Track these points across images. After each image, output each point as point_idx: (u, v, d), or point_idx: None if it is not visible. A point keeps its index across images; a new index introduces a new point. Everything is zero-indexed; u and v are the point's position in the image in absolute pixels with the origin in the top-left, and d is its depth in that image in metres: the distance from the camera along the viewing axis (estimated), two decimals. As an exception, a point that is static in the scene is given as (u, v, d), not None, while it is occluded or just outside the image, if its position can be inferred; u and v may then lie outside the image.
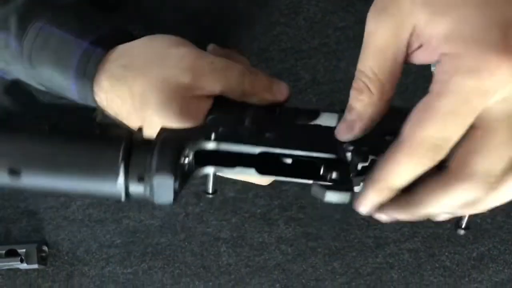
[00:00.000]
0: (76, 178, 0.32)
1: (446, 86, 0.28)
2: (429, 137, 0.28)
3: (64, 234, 0.72)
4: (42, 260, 0.70)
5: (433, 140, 0.28)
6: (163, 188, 0.33)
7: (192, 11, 0.38)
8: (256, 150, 0.34)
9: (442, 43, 0.28)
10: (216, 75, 0.40)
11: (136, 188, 0.32)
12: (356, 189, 0.33)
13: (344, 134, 0.33)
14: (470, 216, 0.35)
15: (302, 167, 0.36)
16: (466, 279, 0.64)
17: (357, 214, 0.70)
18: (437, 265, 0.65)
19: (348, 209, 0.66)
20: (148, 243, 0.70)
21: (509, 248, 0.63)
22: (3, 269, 0.72)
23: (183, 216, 0.69)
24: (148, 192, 0.32)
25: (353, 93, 0.33)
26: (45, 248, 0.71)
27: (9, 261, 0.69)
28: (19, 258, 0.69)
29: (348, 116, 0.33)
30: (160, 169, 0.32)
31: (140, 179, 0.32)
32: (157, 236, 0.70)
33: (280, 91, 0.41)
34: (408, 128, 0.29)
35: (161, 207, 0.70)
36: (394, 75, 0.32)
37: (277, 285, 0.67)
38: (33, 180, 0.31)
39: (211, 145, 0.34)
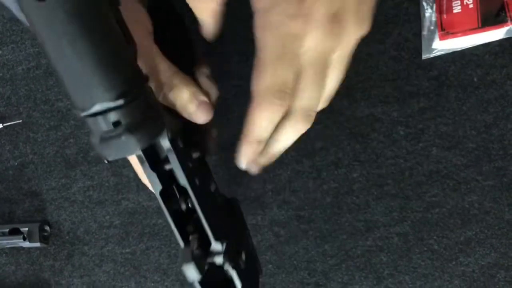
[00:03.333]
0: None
1: (265, 39, 0.33)
2: (269, 85, 0.33)
3: (65, 215, 0.74)
4: (44, 239, 0.73)
5: (274, 87, 0.33)
6: (120, 149, 0.30)
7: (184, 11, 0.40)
8: (183, 182, 0.35)
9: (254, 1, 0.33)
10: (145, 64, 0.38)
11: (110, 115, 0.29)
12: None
13: (208, 35, 0.38)
14: None
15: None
16: (454, 262, 0.66)
17: (348, 198, 0.72)
18: (425, 248, 0.66)
19: (339, 193, 0.68)
20: (146, 224, 0.72)
21: (495, 232, 0.65)
22: (6, 247, 0.74)
23: (179, 198, 0.72)
24: (107, 131, 0.30)
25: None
26: (47, 227, 0.74)
27: (12, 239, 0.71)
28: (22, 236, 0.71)
29: (201, 24, 0.37)
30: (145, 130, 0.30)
31: (116, 123, 0.30)
32: (154, 218, 0.72)
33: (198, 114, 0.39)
34: (253, 85, 0.34)
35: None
36: None
37: (270, 266, 0.69)
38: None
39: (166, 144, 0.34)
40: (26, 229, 0.72)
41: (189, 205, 0.37)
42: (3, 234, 0.72)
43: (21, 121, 0.76)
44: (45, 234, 0.73)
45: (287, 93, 0.34)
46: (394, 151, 0.67)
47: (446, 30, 0.65)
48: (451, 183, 0.66)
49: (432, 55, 0.66)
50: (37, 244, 0.72)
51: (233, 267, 0.37)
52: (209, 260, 0.36)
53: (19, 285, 0.75)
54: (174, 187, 0.36)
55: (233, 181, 0.70)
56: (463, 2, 0.65)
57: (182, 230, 0.36)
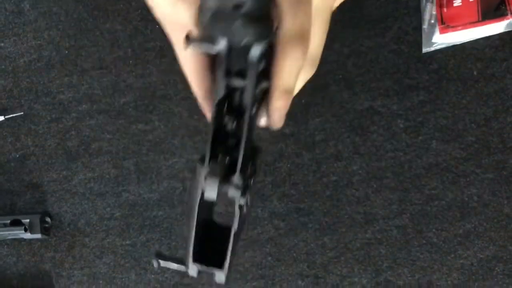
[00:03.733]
0: None
1: None
2: (292, 31, 0.33)
3: (66, 207, 0.75)
4: (45, 231, 0.73)
5: (297, 32, 0.33)
6: (228, 32, 0.30)
7: None
8: (246, 101, 0.34)
9: None
10: None
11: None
12: None
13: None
14: None
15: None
16: (452, 255, 0.66)
17: (347, 191, 0.72)
18: (424, 241, 0.67)
19: (339, 186, 0.68)
20: (146, 216, 0.73)
21: (494, 225, 0.65)
22: (8, 239, 0.75)
23: (180, 190, 0.72)
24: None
25: None
26: (48, 219, 0.74)
27: (13, 230, 0.72)
28: (23, 228, 0.72)
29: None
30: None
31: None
32: (155, 210, 0.72)
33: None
34: (278, 33, 0.33)
35: (158, 182, 0.72)
36: None
37: (269, 258, 0.70)
38: None
39: None
40: (28, 220, 0.72)
41: (233, 130, 0.35)
42: (5, 225, 0.73)
43: (22, 113, 0.76)
44: (46, 225, 0.74)
45: (308, 38, 0.33)
46: (393, 144, 0.67)
47: (446, 24, 0.65)
48: (450, 176, 0.66)
49: (432, 49, 0.66)
50: (38, 236, 0.72)
51: (240, 207, 0.35)
52: (225, 189, 0.34)
53: (20, 276, 0.76)
54: (226, 106, 0.35)
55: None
56: (463, -5, 0.65)
57: (214, 148, 0.35)
